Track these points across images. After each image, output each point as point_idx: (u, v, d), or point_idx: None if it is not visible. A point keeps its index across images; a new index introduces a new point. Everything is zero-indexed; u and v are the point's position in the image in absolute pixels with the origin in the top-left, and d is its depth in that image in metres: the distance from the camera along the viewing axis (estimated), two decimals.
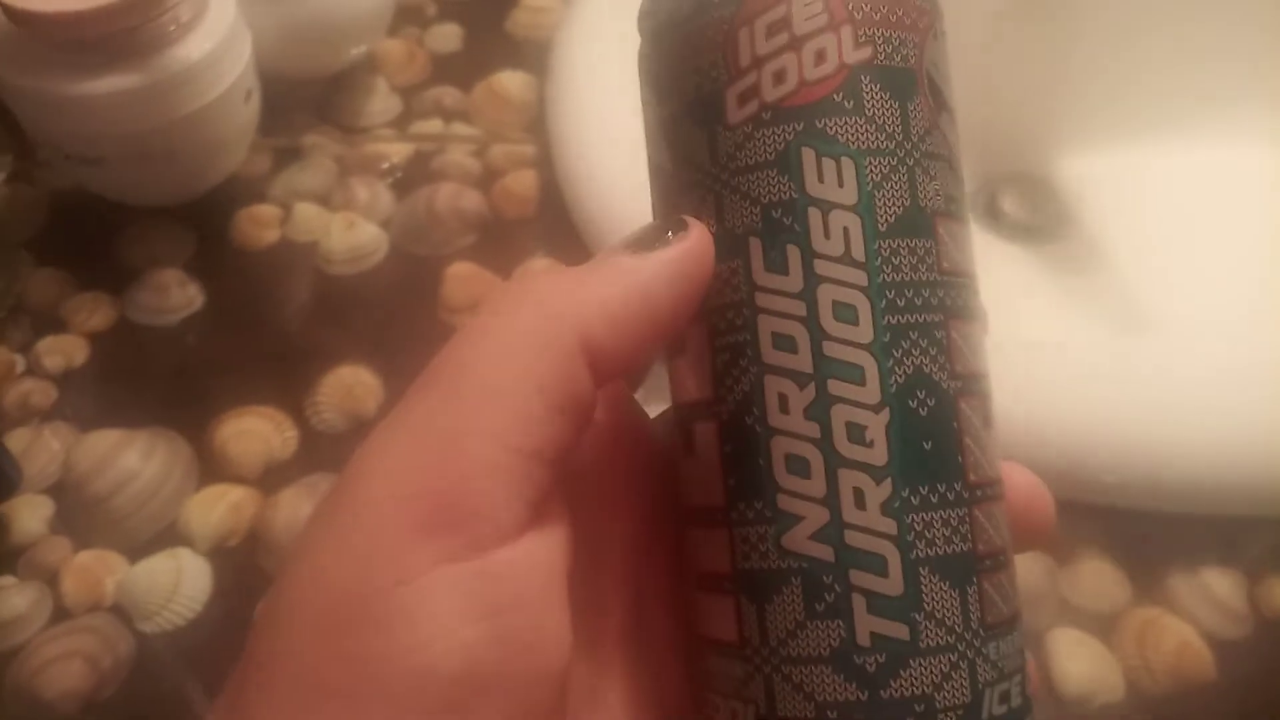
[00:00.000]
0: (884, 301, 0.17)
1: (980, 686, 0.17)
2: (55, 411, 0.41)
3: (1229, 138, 0.53)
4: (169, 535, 0.37)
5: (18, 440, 0.39)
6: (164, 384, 0.42)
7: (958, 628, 0.17)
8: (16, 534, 0.37)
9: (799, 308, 0.17)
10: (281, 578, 0.16)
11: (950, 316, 0.18)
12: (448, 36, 0.57)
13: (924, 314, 0.18)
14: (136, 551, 0.37)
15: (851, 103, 0.18)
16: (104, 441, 0.38)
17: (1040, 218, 0.56)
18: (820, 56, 0.18)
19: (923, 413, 0.17)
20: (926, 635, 0.17)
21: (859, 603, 0.17)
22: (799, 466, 0.17)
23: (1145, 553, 0.37)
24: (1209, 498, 0.37)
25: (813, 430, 0.17)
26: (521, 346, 0.17)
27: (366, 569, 0.15)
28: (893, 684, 0.17)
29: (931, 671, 0.17)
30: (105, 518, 0.37)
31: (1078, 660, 0.35)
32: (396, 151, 0.51)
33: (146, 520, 0.38)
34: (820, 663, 0.17)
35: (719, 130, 0.18)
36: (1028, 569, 0.36)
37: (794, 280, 0.17)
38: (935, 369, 0.18)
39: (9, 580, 0.36)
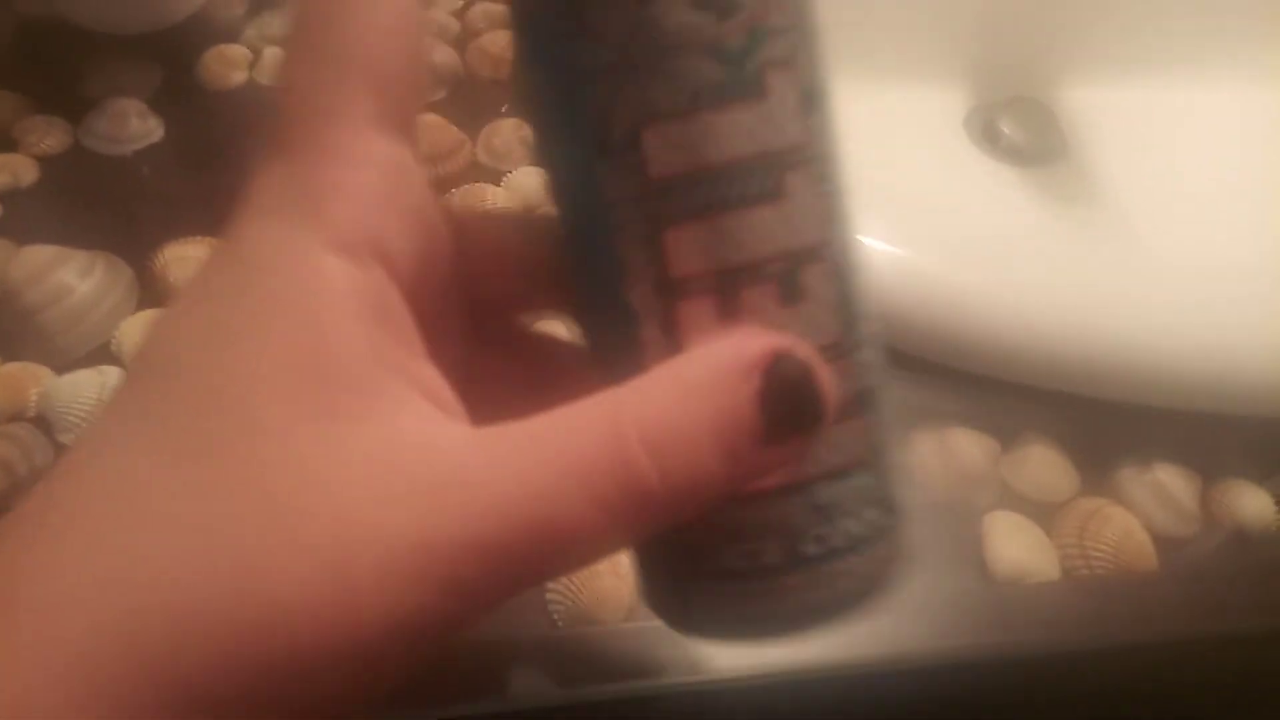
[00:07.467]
0: None
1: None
2: None
3: (1234, 78, 0.52)
4: (101, 354, 0.37)
5: None
6: (113, 211, 0.41)
7: None
8: None
9: None
10: None
11: None
12: None
13: None
14: (67, 367, 0.36)
15: None
16: (39, 256, 0.38)
17: (1038, 143, 0.54)
18: None
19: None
20: None
21: None
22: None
23: (1098, 444, 0.36)
24: (1170, 390, 0.35)
25: None
26: None
27: None
28: None
29: None
30: (36, 331, 0.37)
31: (1013, 544, 0.33)
32: None
33: (80, 337, 0.37)
34: None
35: None
36: (969, 450, 0.35)
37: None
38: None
39: None
